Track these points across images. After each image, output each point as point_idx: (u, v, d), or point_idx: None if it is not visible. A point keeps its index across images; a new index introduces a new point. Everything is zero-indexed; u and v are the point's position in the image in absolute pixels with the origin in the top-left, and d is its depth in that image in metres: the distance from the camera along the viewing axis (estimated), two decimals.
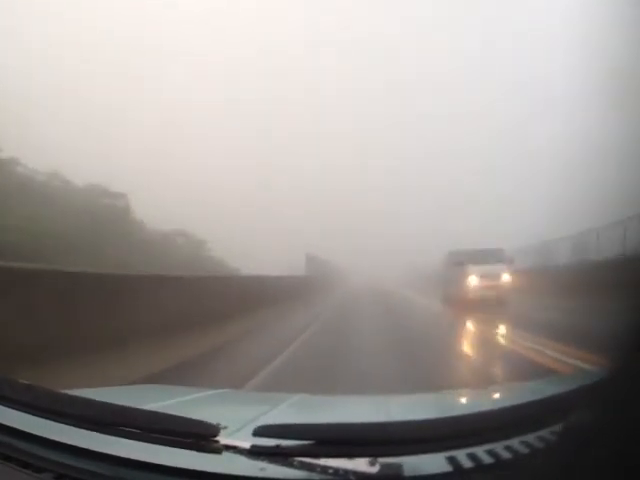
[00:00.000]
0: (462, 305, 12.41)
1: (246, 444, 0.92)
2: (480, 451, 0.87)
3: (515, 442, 0.88)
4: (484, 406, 0.96)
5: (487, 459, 0.86)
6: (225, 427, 1.00)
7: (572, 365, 4.84)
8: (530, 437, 0.88)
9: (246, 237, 22.86)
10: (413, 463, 0.87)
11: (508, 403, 1.00)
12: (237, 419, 1.17)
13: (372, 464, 0.85)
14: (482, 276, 12.48)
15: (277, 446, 0.89)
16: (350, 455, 0.88)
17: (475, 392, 1.87)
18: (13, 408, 1.06)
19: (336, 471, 0.84)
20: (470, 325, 9.97)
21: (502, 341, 7.53)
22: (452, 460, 0.87)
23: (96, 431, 1.00)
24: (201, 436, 0.94)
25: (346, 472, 0.84)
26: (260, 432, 0.92)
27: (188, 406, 1.57)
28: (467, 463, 0.86)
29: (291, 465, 0.87)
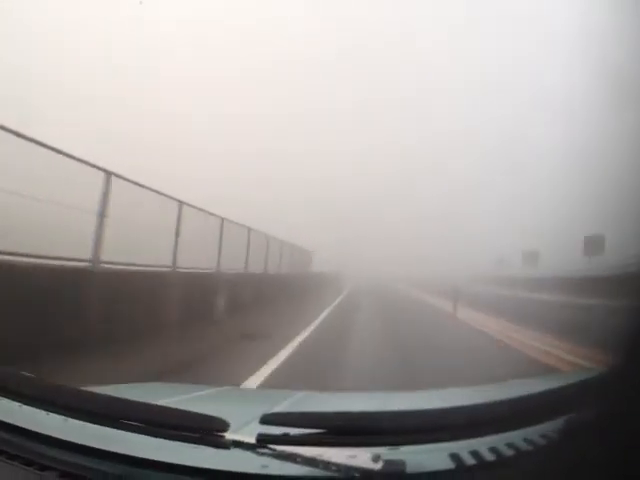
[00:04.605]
0: None
1: (254, 434, 0.92)
2: (483, 448, 0.88)
3: (516, 438, 0.88)
4: (488, 400, 0.96)
5: (489, 456, 0.86)
6: (230, 424, 1.00)
7: None
8: (532, 432, 0.88)
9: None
10: (416, 460, 0.87)
11: (511, 396, 1.01)
12: (242, 415, 1.17)
13: (375, 460, 0.85)
14: None
15: (285, 434, 0.89)
16: (358, 444, 0.89)
17: (479, 388, 1.87)
18: (17, 401, 1.07)
19: (339, 467, 0.85)
20: None
21: None
22: (455, 457, 0.87)
23: (104, 425, 1.00)
24: (209, 430, 0.94)
25: (349, 468, 0.84)
26: (268, 420, 0.92)
27: (192, 403, 1.57)
28: (470, 460, 0.86)
29: (294, 460, 0.87)
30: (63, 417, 1.03)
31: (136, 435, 0.98)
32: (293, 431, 0.90)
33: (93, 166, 5.17)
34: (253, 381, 4.19)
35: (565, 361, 5.44)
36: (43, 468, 0.94)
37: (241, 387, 3.69)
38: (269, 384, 4.00)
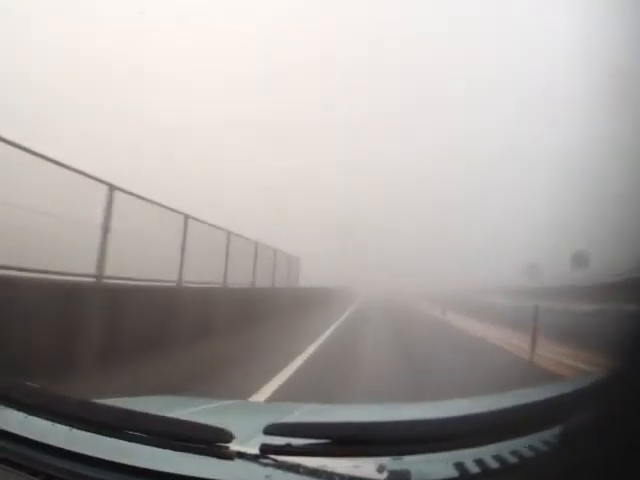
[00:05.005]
0: None
1: (258, 445, 0.92)
2: (487, 456, 0.88)
3: (521, 445, 0.88)
4: (490, 409, 0.97)
5: (493, 464, 0.86)
6: (234, 435, 1.00)
7: None
8: (535, 439, 0.88)
9: None
10: (421, 469, 0.87)
11: (513, 405, 1.01)
12: (247, 427, 1.17)
13: (380, 471, 0.85)
14: None
15: (288, 445, 0.89)
16: (362, 454, 0.89)
17: (482, 398, 1.87)
18: (23, 411, 1.07)
19: (343, 477, 0.85)
20: None
21: None
22: (459, 466, 0.87)
23: (109, 436, 1.01)
24: (213, 441, 0.94)
25: (353, 478, 0.84)
26: (271, 430, 0.92)
27: (197, 415, 1.56)
28: (474, 468, 0.86)
29: (297, 471, 0.87)
30: (68, 428, 1.04)
31: (141, 446, 0.98)
32: (297, 441, 0.90)
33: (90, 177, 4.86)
34: (261, 395, 4.17)
35: None
36: (49, 478, 0.94)
37: (249, 401, 3.67)
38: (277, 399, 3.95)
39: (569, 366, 5.62)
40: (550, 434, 0.85)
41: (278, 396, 4.22)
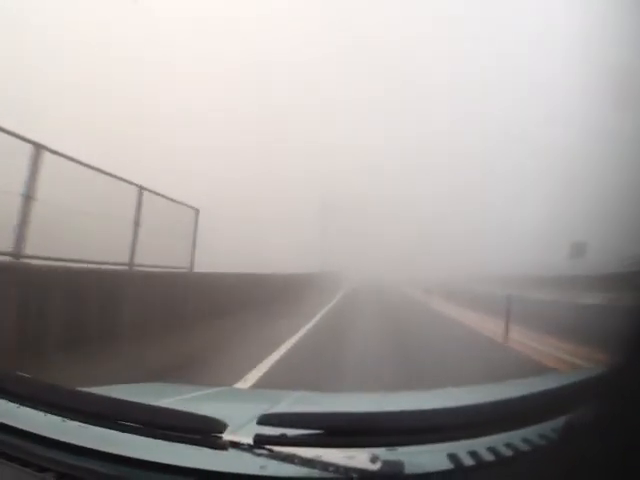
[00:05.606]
0: None
1: (251, 435, 0.92)
2: (481, 448, 0.88)
3: (515, 438, 0.88)
4: (486, 400, 0.96)
5: (488, 456, 0.86)
6: (227, 424, 1.00)
7: None
8: (530, 433, 0.88)
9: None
10: (414, 460, 0.87)
11: (509, 396, 1.01)
12: (240, 416, 1.17)
13: (373, 461, 0.85)
14: None
15: (282, 435, 0.89)
16: (356, 445, 0.89)
17: (477, 388, 1.87)
18: (15, 402, 1.06)
19: (337, 468, 0.84)
20: None
21: None
22: (453, 457, 0.87)
23: (101, 426, 1.00)
24: (207, 431, 0.94)
25: (347, 469, 0.84)
26: (265, 420, 0.92)
27: (189, 404, 1.57)
28: (468, 460, 0.86)
29: (292, 461, 0.87)
30: (61, 418, 1.03)
31: (134, 436, 0.98)
32: (291, 432, 0.90)
33: None
34: (250, 381, 4.17)
35: None
36: (41, 469, 0.93)
37: (239, 387, 3.70)
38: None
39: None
40: (547, 428, 0.85)
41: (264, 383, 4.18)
